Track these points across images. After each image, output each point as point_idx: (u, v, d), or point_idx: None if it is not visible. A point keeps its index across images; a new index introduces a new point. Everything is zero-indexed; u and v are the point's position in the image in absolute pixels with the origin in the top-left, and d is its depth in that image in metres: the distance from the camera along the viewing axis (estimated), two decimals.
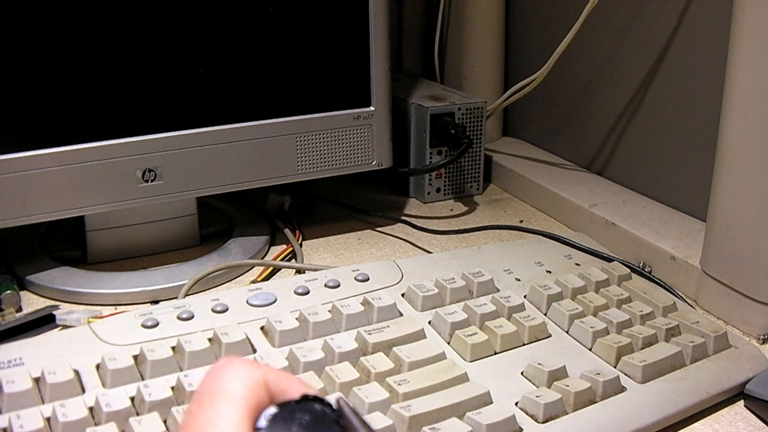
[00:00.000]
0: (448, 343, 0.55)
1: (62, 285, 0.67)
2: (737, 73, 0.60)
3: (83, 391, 0.47)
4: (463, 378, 0.50)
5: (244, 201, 0.83)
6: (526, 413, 0.49)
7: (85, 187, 0.66)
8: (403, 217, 0.83)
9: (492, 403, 0.48)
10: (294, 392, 0.28)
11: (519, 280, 0.64)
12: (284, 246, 0.76)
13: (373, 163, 0.77)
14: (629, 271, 0.66)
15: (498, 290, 0.61)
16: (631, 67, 0.82)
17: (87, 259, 0.72)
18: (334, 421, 0.25)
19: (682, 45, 0.76)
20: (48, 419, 0.44)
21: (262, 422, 0.25)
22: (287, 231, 0.78)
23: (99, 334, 0.52)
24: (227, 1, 0.68)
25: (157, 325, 0.53)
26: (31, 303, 0.66)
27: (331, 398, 0.27)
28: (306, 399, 0.26)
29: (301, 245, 0.77)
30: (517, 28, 1.00)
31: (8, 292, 0.64)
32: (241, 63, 0.70)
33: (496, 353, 0.54)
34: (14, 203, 0.63)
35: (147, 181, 0.68)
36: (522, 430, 0.47)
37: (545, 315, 0.59)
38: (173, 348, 0.50)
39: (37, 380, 0.46)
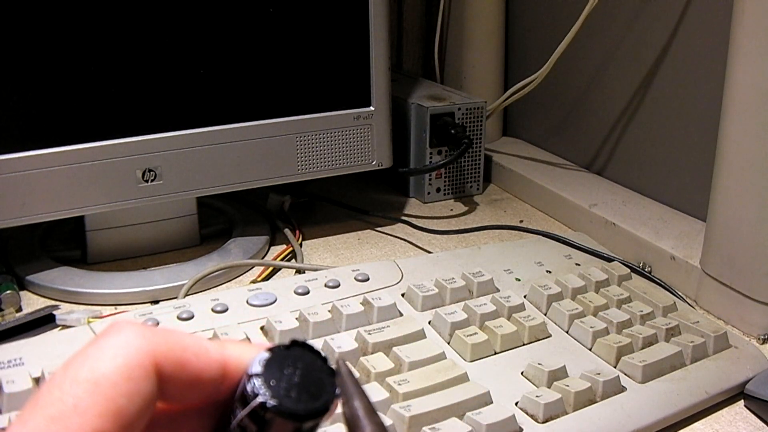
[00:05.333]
0: (448, 343, 0.55)
1: (62, 285, 0.67)
2: (737, 73, 0.60)
3: None
4: (463, 378, 0.50)
5: (244, 201, 0.83)
6: (526, 413, 0.49)
7: (85, 187, 0.66)
8: (403, 217, 0.83)
9: (492, 403, 0.48)
10: (202, 357, 0.24)
11: (519, 280, 0.64)
12: (284, 246, 0.76)
13: (373, 163, 0.77)
14: (629, 271, 0.66)
15: (498, 290, 0.61)
16: (631, 67, 0.82)
17: (87, 259, 0.72)
18: (326, 370, 0.25)
19: (682, 45, 0.76)
20: None
21: (257, 368, 0.24)
22: (287, 231, 0.78)
23: None
24: (227, 1, 0.68)
25: (157, 325, 0.53)
26: (31, 303, 0.66)
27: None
28: (295, 344, 0.26)
29: (301, 245, 0.77)
30: (517, 28, 1.00)
31: (8, 292, 0.64)
32: (241, 63, 0.70)
33: (496, 353, 0.54)
34: (14, 203, 0.63)
35: (147, 181, 0.68)
36: (522, 430, 0.47)
37: (545, 315, 0.59)
38: None
39: (37, 380, 0.47)
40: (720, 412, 0.54)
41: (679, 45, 0.76)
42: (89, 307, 0.65)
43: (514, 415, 0.47)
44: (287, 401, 0.24)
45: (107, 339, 0.24)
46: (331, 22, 0.72)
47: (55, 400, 0.22)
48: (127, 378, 0.23)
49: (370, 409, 0.25)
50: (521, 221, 0.85)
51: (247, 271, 0.72)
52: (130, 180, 0.67)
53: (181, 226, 0.75)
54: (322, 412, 0.24)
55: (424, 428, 0.45)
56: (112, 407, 0.22)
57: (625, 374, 0.53)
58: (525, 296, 0.61)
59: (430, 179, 0.89)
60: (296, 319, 0.54)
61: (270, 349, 0.25)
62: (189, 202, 0.74)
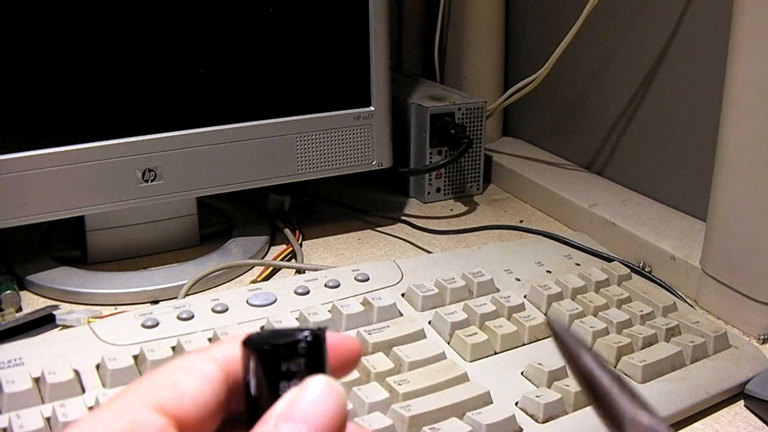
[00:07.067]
0: (448, 343, 0.55)
1: (62, 285, 0.67)
2: (737, 73, 0.60)
3: (83, 391, 0.47)
4: (463, 378, 0.50)
5: (244, 201, 0.83)
6: (526, 413, 0.49)
7: (85, 187, 0.66)
8: (403, 217, 0.83)
9: (492, 403, 0.48)
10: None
11: (519, 280, 0.64)
12: (284, 246, 0.76)
13: (373, 163, 0.77)
14: (629, 271, 0.66)
15: (498, 290, 0.61)
16: (631, 67, 0.82)
17: (87, 259, 0.72)
18: (312, 332, 0.26)
19: (682, 45, 0.76)
20: (48, 419, 0.44)
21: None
22: (287, 231, 0.78)
23: (99, 334, 0.52)
24: (227, 1, 0.68)
25: (157, 325, 0.53)
26: (31, 303, 0.66)
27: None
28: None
29: (301, 245, 0.77)
30: (517, 28, 1.00)
31: (8, 292, 0.64)
32: (241, 63, 0.70)
33: (496, 353, 0.54)
34: (14, 203, 0.63)
35: (147, 181, 0.68)
36: (522, 430, 0.47)
37: (545, 315, 0.59)
38: (173, 348, 0.50)
39: (37, 380, 0.46)
40: (720, 412, 0.54)
41: (679, 45, 0.76)
42: (89, 307, 0.65)
43: (514, 415, 0.47)
44: (257, 338, 0.25)
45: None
46: (331, 22, 0.72)
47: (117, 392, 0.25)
48: (183, 362, 0.25)
49: (600, 361, 0.26)
50: (521, 221, 0.85)
51: (247, 271, 0.72)
52: (130, 180, 0.67)
53: (181, 226, 0.75)
54: (280, 348, 0.25)
55: (424, 428, 0.45)
56: (169, 381, 0.25)
57: (625, 374, 0.53)
58: (525, 296, 0.61)
59: (430, 179, 0.89)
60: (296, 319, 0.54)
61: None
62: (189, 202, 0.74)
